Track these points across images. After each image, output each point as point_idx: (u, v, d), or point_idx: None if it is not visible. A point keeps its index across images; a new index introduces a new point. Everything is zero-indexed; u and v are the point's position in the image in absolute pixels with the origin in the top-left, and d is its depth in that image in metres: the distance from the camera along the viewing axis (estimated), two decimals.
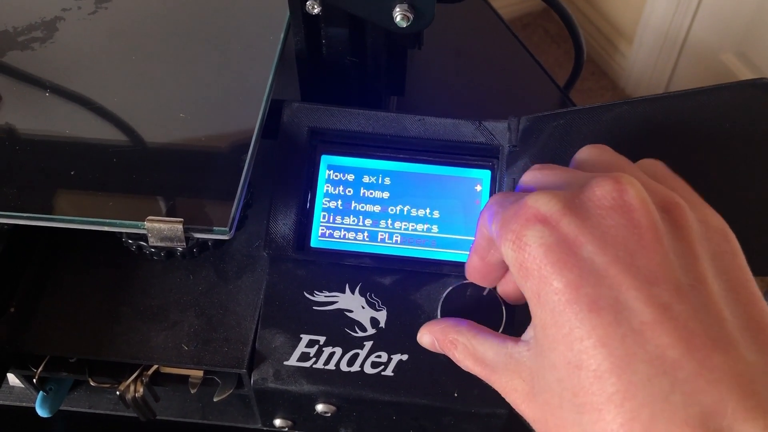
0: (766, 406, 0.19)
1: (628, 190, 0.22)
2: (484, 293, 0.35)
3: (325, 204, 0.38)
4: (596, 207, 0.22)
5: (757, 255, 0.29)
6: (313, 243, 0.37)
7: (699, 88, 0.32)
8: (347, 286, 0.36)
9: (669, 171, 0.26)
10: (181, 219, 0.33)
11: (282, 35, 0.41)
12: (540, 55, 1.47)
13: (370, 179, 0.38)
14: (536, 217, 0.22)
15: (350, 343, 0.35)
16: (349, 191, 0.38)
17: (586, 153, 0.27)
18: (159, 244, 0.33)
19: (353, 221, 0.37)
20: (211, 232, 0.33)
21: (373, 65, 0.40)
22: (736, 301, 0.21)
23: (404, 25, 0.35)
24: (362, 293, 0.36)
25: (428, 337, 0.32)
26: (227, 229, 0.33)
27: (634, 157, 0.33)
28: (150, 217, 0.33)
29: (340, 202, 0.38)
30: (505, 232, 0.23)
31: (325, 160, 0.38)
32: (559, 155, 0.35)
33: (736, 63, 1.23)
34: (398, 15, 0.35)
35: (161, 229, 0.33)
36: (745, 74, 1.21)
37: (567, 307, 0.21)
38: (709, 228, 0.23)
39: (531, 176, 0.27)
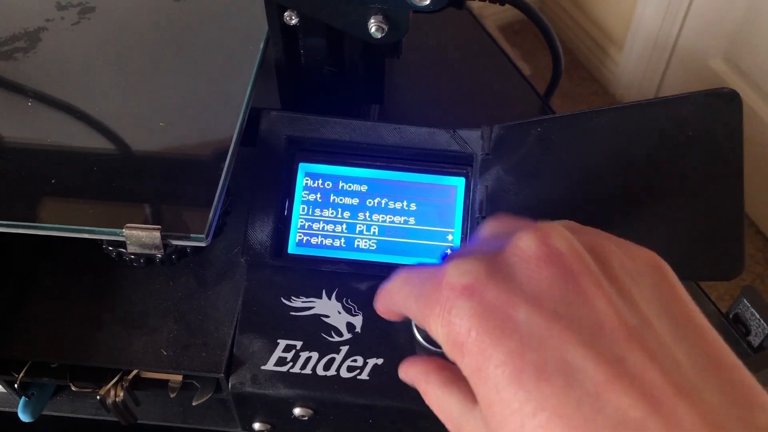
0: None
1: (551, 235, 0.20)
2: None
3: (303, 211, 0.38)
4: (521, 262, 0.20)
5: (721, 260, 0.30)
6: (291, 249, 0.38)
7: (666, 97, 0.33)
8: (324, 291, 0.37)
9: (580, 225, 0.23)
10: (159, 226, 0.33)
11: (261, 45, 0.42)
12: (530, 61, 1.48)
13: (346, 186, 0.39)
14: (459, 289, 0.20)
15: (326, 348, 0.36)
16: (327, 198, 0.38)
17: (489, 225, 0.25)
18: (137, 250, 0.34)
19: (330, 228, 0.38)
20: (188, 239, 0.34)
21: (351, 75, 0.41)
22: (684, 338, 0.20)
23: (379, 36, 0.36)
24: (338, 299, 0.37)
25: (407, 379, 0.28)
26: (204, 236, 0.33)
27: (603, 165, 0.34)
28: (128, 224, 0.34)
29: (317, 209, 0.38)
30: (429, 313, 0.21)
31: (303, 167, 0.39)
32: (531, 163, 0.35)
33: (725, 68, 1.24)
34: (373, 26, 0.36)
35: (139, 236, 0.34)
36: (733, 79, 1.22)
37: (512, 380, 0.19)
38: (640, 263, 0.21)
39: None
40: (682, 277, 0.30)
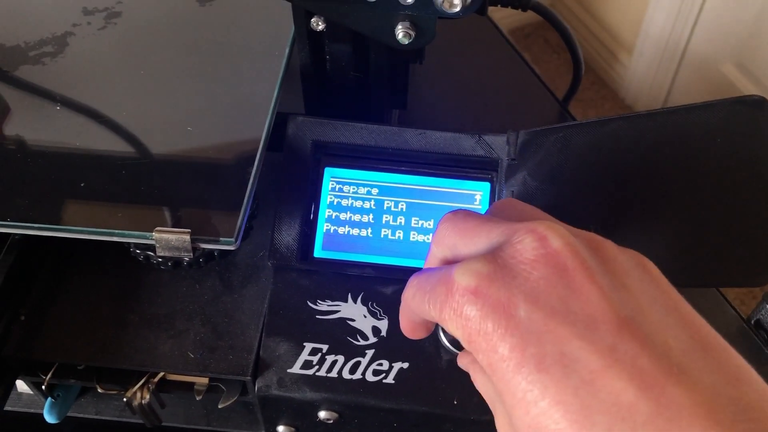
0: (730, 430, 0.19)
1: (548, 236, 0.22)
2: None
3: (329, 215, 0.39)
4: (520, 263, 0.22)
5: (749, 266, 0.30)
6: (317, 253, 0.38)
7: (692, 105, 0.33)
8: (349, 295, 0.37)
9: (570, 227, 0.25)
10: (189, 230, 0.34)
11: (287, 51, 0.42)
12: (540, 65, 1.48)
13: (372, 191, 0.39)
14: (466, 291, 0.22)
15: (352, 352, 0.36)
16: (352, 203, 0.39)
17: (496, 206, 0.27)
18: (167, 254, 0.34)
19: (355, 232, 0.38)
20: (217, 242, 0.34)
21: (375, 80, 0.41)
22: (674, 324, 0.21)
23: (406, 43, 0.36)
24: (364, 302, 0.37)
25: (461, 365, 0.30)
26: (233, 239, 0.34)
27: (628, 172, 0.34)
28: (158, 228, 0.34)
29: (342, 213, 0.39)
30: (446, 314, 0.23)
31: (329, 172, 0.39)
32: (557, 168, 0.36)
33: (736, 74, 1.24)
34: (400, 33, 0.36)
35: (169, 239, 0.34)
36: (745, 85, 1.22)
37: (516, 372, 0.20)
38: (630, 258, 0.23)
39: (449, 239, 0.25)
40: (712, 284, 0.31)
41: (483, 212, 0.38)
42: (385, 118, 0.43)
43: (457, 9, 0.33)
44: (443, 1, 0.33)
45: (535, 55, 1.49)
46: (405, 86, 0.44)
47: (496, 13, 1.52)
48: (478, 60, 0.57)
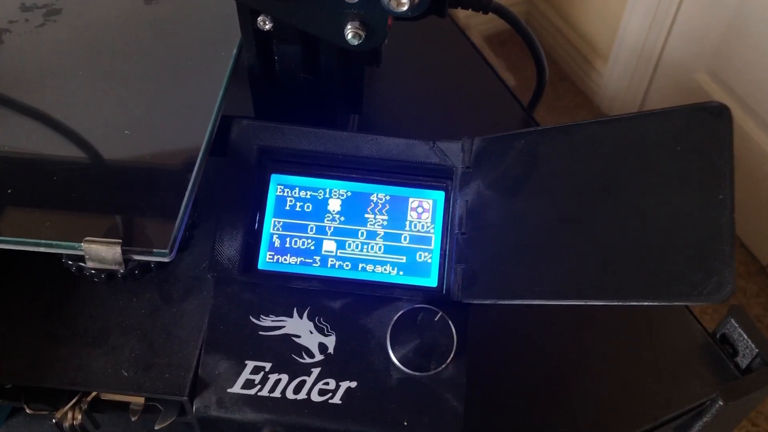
0: None
1: None
2: (436, 318, 0.34)
3: (274, 225, 0.37)
4: None
5: (709, 281, 0.29)
6: (261, 265, 0.36)
7: (652, 111, 0.32)
8: (295, 310, 0.35)
9: None
10: (119, 240, 0.31)
11: (235, 51, 0.40)
12: (517, 72, 1.47)
13: (320, 200, 0.37)
14: None
15: (297, 370, 0.34)
16: (299, 212, 0.37)
17: None
18: (97, 266, 0.32)
19: (302, 243, 0.36)
20: (150, 254, 0.32)
21: (327, 83, 0.40)
22: None
23: (356, 43, 0.34)
24: (310, 318, 0.35)
25: None
26: (167, 251, 0.32)
27: (587, 180, 0.33)
28: (87, 238, 0.32)
29: (289, 223, 0.37)
30: None
31: (275, 179, 0.37)
32: (514, 177, 0.34)
33: (708, 81, 1.24)
34: (350, 33, 0.34)
35: (99, 250, 0.32)
36: (717, 92, 1.22)
37: None
38: None
39: None
40: (670, 299, 0.29)
41: (436, 221, 0.36)
42: (341, 124, 0.41)
43: (405, 8, 0.32)
44: (390, 0, 0.31)
45: (512, 62, 1.48)
46: (360, 90, 0.42)
47: (472, 19, 1.51)
48: (442, 65, 0.55)
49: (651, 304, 0.29)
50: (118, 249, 0.31)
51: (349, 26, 0.34)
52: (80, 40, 0.41)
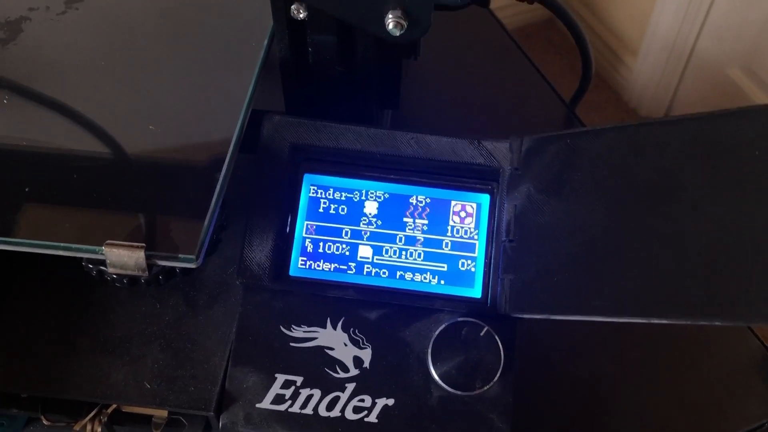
0: None
1: None
2: (481, 333, 0.31)
3: (307, 228, 0.34)
4: None
5: None
6: (292, 272, 0.34)
7: (725, 111, 0.29)
8: (329, 320, 0.33)
9: None
10: (143, 244, 0.29)
11: (266, 42, 0.38)
12: (543, 66, 1.44)
13: (356, 202, 0.34)
14: None
15: (330, 385, 0.32)
16: (333, 215, 0.34)
17: None
18: (119, 271, 0.30)
19: (337, 248, 0.34)
20: (176, 259, 0.29)
21: (363, 76, 0.37)
22: None
23: (397, 34, 0.32)
24: (345, 329, 0.33)
25: None
26: (194, 257, 0.29)
27: (649, 186, 0.30)
28: (109, 242, 0.30)
29: (322, 227, 0.34)
30: None
31: (308, 179, 0.35)
32: (565, 180, 0.31)
33: (742, 78, 1.20)
34: (391, 22, 0.32)
35: (121, 255, 0.30)
36: (752, 90, 1.18)
37: None
38: None
39: None
40: (750, 320, 0.26)
41: (481, 227, 0.34)
42: (375, 120, 0.39)
43: None
44: None
45: (538, 56, 1.45)
46: (397, 84, 0.39)
47: (498, 11, 1.48)
48: (479, 58, 0.52)
49: (724, 324, 0.26)
50: (141, 254, 0.29)
51: (390, 15, 0.32)
52: (104, 29, 0.39)
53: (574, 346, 0.38)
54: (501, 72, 0.51)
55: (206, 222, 0.30)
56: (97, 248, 0.30)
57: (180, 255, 0.29)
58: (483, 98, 0.48)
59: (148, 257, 0.29)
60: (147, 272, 0.30)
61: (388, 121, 0.42)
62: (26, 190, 0.32)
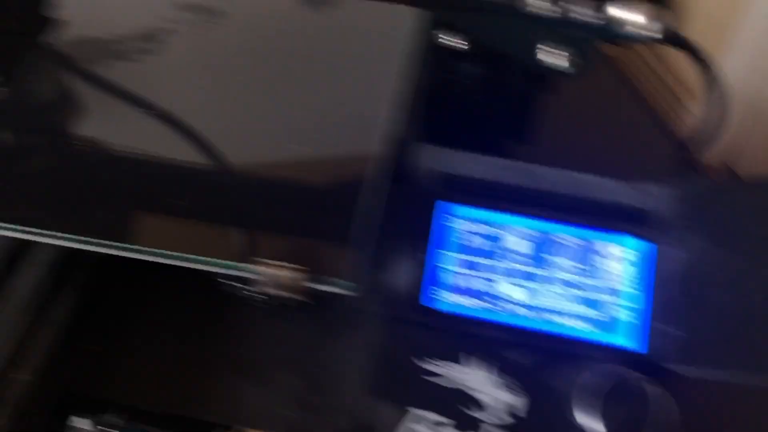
0: None
1: None
2: (655, 392, 0.29)
3: (446, 260, 0.33)
4: None
5: None
6: (435, 304, 0.32)
7: None
8: (474, 358, 0.31)
9: None
10: (305, 267, 0.28)
11: (410, 66, 0.37)
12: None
13: (501, 237, 0.33)
14: None
15: (467, 424, 0.30)
16: (476, 249, 0.33)
17: None
18: (270, 292, 0.29)
19: (476, 283, 0.33)
20: (336, 285, 0.28)
21: (508, 107, 0.36)
22: None
23: (569, 68, 0.31)
24: (488, 369, 0.31)
25: None
26: (354, 284, 0.28)
27: None
28: (265, 261, 0.29)
29: (463, 260, 0.33)
30: None
31: (450, 209, 0.34)
32: (744, 231, 0.30)
33: None
34: (552, 56, 0.31)
35: (277, 276, 0.29)
36: None
37: None
38: None
39: None
40: None
41: (637, 279, 0.32)
42: (515, 152, 0.38)
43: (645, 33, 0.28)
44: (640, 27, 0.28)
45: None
46: (537, 118, 0.38)
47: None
48: (606, 98, 0.51)
49: None
50: (301, 277, 0.28)
51: (549, 47, 0.31)
52: (246, 44, 0.39)
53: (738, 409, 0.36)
54: (628, 113, 0.50)
55: (366, 249, 0.29)
56: (250, 267, 0.29)
57: (340, 281, 0.28)
58: (604, 135, 0.47)
59: (307, 280, 0.28)
60: (299, 296, 0.29)
61: (526, 154, 0.41)
62: (181, 202, 0.31)
